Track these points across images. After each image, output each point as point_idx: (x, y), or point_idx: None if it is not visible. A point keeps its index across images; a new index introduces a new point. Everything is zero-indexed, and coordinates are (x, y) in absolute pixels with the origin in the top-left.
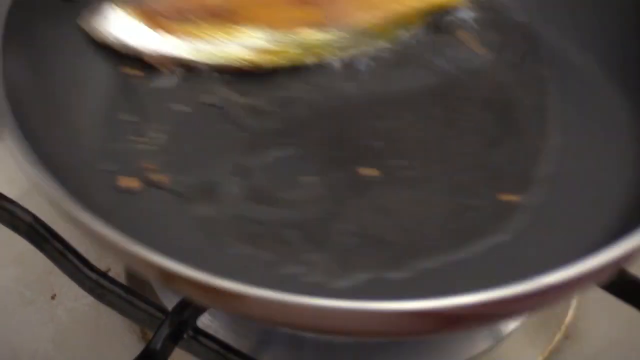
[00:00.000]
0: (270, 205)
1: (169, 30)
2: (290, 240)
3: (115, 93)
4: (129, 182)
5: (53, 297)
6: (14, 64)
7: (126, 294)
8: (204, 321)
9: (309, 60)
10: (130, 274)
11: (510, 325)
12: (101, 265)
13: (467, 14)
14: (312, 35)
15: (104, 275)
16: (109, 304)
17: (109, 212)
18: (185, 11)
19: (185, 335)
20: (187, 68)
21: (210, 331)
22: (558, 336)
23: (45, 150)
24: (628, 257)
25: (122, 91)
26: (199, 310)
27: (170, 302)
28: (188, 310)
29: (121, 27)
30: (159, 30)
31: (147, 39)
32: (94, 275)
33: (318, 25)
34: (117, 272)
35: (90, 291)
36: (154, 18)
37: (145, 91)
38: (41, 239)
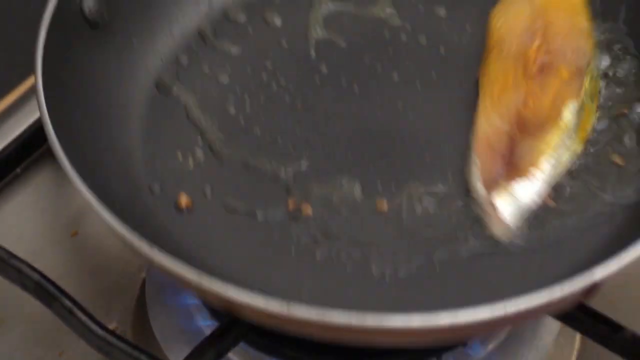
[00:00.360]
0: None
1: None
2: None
3: (154, 112)
4: (185, 200)
5: (60, 355)
6: (54, 98)
7: (133, 350)
8: None
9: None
10: (137, 331)
11: None
12: (108, 322)
13: None
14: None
15: (111, 332)
16: None
17: (171, 233)
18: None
19: None
20: None
21: None
22: None
23: (100, 178)
24: (584, 292)
25: (160, 110)
26: None
27: (176, 357)
28: None
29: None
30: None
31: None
32: (101, 333)
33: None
34: (124, 329)
35: (98, 349)
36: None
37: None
38: (49, 297)
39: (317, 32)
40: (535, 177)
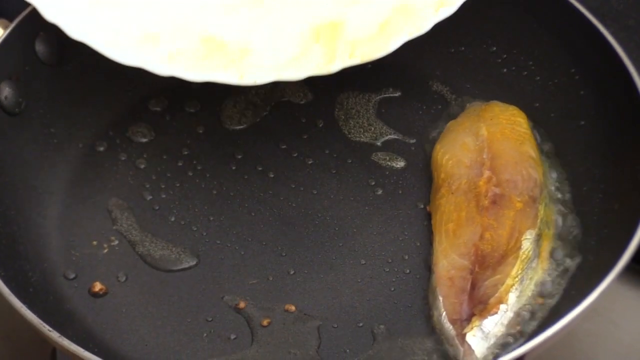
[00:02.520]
0: None
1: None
2: None
3: (71, 199)
4: (99, 286)
5: None
6: None
7: None
8: None
9: None
10: None
11: None
12: None
13: None
14: None
15: None
16: None
17: (84, 317)
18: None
19: None
20: None
21: None
22: None
23: (13, 262)
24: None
25: (77, 197)
26: None
27: None
28: None
29: None
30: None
31: None
32: None
33: None
34: None
35: None
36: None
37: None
38: None
39: (233, 118)
40: (500, 310)
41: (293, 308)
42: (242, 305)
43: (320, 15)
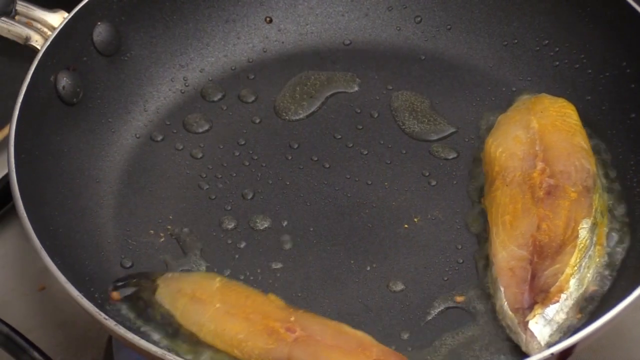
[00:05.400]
0: None
1: None
2: None
3: (127, 188)
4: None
5: None
6: (26, 172)
7: None
8: None
9: None
10: None
11: None
12: None
13: None
14: None
15: None
16: None
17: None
18: None
19: None
20: None
21: None
22: None
23: (70, 251)
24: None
25: (133, 186)
26: None
27: None
28: None
29: None
30: None
31: None
32: None
33: None
34: None
35: None
36: None
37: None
38: (18, 350)
39: (289, 109)
40: (561, 298)
41: None
42: None
43: None
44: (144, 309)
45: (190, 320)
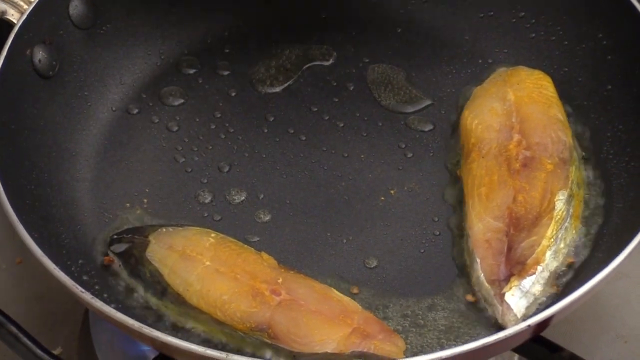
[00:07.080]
0: None
1: None
2: None
3: (103, 162)
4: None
5: None
6: (3, 147)
7: None
8: None
9: None
10: (81, 355)
11: None
12: (53, 347)
13: None
14: None
15: (56, 358)
16: None
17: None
18: None
19: None
20: None
21: None
22: None
23: (47, 225)
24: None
25: (109, 159)
26: None
27: None
28: None
29: None
30: None
31: None
32: (46, 358)
33: None
34: (69, 354)
35: None
36: None
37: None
38: None
39: (264, 81)
40: (537, 270)
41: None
42: None
43: None
44: (135, 266)
45: (178, 279)
